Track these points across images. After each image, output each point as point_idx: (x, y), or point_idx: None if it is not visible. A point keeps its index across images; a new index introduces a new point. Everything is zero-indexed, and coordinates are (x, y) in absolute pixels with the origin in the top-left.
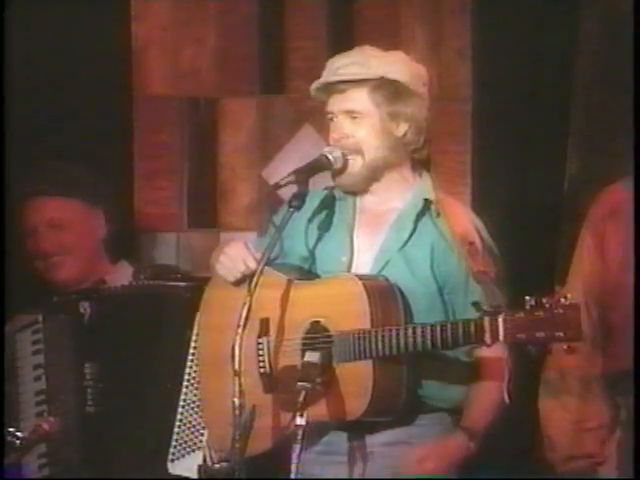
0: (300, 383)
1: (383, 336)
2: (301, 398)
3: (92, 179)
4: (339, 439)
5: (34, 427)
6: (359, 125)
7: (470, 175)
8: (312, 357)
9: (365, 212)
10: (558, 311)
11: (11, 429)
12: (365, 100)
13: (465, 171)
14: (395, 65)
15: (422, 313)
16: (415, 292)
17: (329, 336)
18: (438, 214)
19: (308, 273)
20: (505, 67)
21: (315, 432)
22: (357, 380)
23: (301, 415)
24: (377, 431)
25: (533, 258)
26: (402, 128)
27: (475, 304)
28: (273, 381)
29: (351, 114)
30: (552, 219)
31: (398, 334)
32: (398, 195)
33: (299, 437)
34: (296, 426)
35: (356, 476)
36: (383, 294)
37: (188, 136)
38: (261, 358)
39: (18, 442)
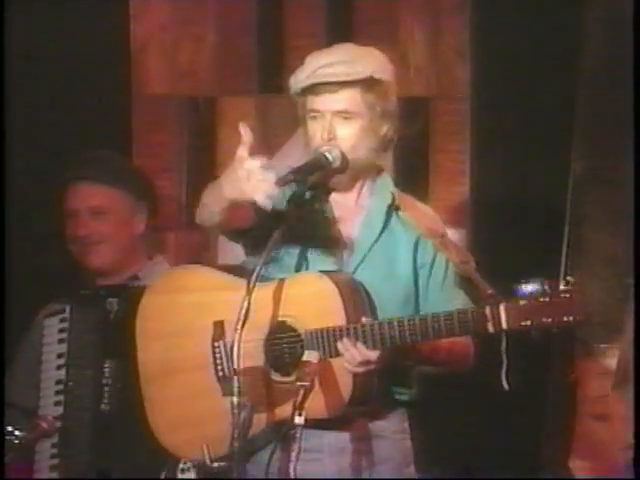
0: (298, 382)
1: (364, 330)
2: (299, 397)
3: (139, 172)
4: (313, 436)
5: (33, 425)
6: (349, 125)
7: (469, 175)
8: (310, 356)
9: (339, 208)
10: (565, 295)
11: (10, 428)
12: (358, 100)
13: (464, 170)
14: (378, 64)
15: (399, 305)
16: (391, 286)
17: (298, 335)
18: (398, 208)
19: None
20: (504, 66)
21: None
22: (336, 376)
23: (300, 414)
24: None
25: (534, 259)
26: (385, 127)
27: (477, 294)
28: (231, 384)
29: (343, 114)
30: (554, 219)
31: (382, 327)
32: (367, 191)
33: (297, 436)
34: (295, 425)
35: (336, 471)
36: (352, 289)
37: (187, 135)
38: (218, 361)
39: (17, 441)
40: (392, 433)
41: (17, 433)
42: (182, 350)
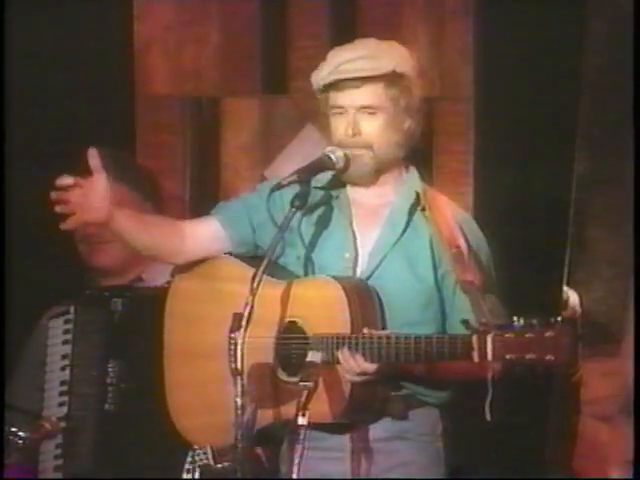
0: (302, 383)
1: (364, 343)
2: (303, 398)
3: (147, 172)
4: (337, 435)
5: (36, 426)
6: (373, 120)
7: (473, 175)
8: (314, 357)
9: (359, 206)
10: (549, 334)
11: (14, 429)
12: (382, 95)
13: (468, 171)
14: (401, 57)
15: (420, 308)
16: (412, 288)
17: (306, 338)
18: (424, 208)
19: (280, 271)
20: (507, 67)
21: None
22: (334, 383)
23: (303, 415)
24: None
25: (537, 260)
26: (408, 122)
27: (464, 322)
28: (234, 378)
29: (367, 110)
30: (557, 220)
31: (380, 343)
32: (391, 189)
33: (301, 437)
34: (298, 426)
35: (356, 472)
36: (362, 298)
37: (190, 136)
38: (232, 353)
39: (20, 442)
40: (418, 435)
41: (21, 434)
42: (202, 337)
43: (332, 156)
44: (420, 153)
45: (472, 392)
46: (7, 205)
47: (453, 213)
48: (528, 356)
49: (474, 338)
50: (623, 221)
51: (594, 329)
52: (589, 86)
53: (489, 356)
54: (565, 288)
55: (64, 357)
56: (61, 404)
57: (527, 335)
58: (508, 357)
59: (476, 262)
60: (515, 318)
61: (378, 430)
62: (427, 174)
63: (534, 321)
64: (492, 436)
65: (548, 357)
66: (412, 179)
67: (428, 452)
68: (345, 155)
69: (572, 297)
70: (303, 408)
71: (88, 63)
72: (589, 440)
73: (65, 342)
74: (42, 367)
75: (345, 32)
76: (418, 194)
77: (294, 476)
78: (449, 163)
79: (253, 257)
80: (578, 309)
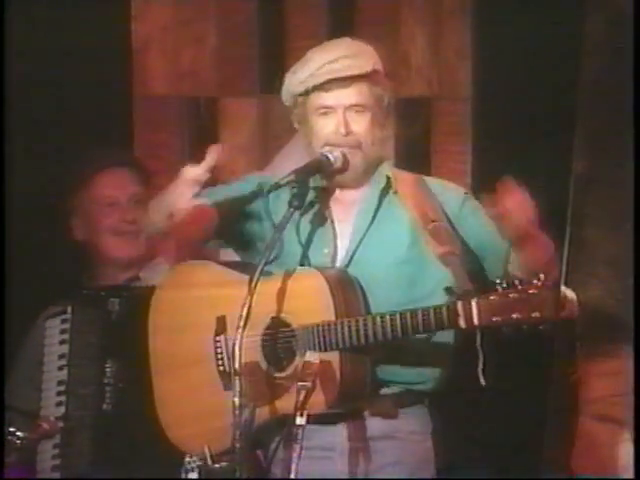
0: (300, 383)
1: (349, 326)
2: (301, 397)
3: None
4: (326, 434)
5: (35, 426)
6: (362, 119)
7: (471, 175)
8: (312, 357)
9: (337, 201)
10: (533, 292)
11: (12, 429)
12: (367, 93)
13: (466, 171)
14: (375, 57)
15: (403, 290)
16: (392, 271)
17: (292, 330)
18: (395, 191)
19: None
20: (505, 66)
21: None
22: (324, 372)
23: (301, 415)
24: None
25: None
26: (389, 119)
27: (447, 289)
28: (232, 378)
29: (355, 108)
30: (555, 220)
31: (366, 324)
32: (366, 181)
33: (299, 437)
34: (296, 426)
35: (345, 471)
36: (344, 286)
37: (188, 136)
38: (219, 356)
39: (19, 442)
40: (408, 434)
41: (19, 434)
42: (187, 345)
43: (330, 156)
44: (417, 153)
45: (462, 387)
46: (7, 205)
47: (427, 191)
48: (514, 316)
49: (459, 304)
50: (621, 221)
51: (592, 329)
52: (588, 86)
53: (475, 320)
54: (563, 288)
55: (61, 357)
56: (59, 404)
57: (511, 295)
58: (495, 319)
59: (455, 234)
60: (498, 280)
61: (368, 429)
62: (424, 174)
63: (516, 281)
64: (484, 435)
65: (534, 314)
66: (384, 168)
67: (418, 451)
68: (343, 155)
69: (570, 297)
70: (301, 408)
71: (86, 63)
72: (588, 440)
73: (62, 342)
74: (39, 367)
75: (343, 32)
76: (388, 178)
77: (292, 476)
78: (447, 163)
79: (236, 263)
80: (576, 309)
